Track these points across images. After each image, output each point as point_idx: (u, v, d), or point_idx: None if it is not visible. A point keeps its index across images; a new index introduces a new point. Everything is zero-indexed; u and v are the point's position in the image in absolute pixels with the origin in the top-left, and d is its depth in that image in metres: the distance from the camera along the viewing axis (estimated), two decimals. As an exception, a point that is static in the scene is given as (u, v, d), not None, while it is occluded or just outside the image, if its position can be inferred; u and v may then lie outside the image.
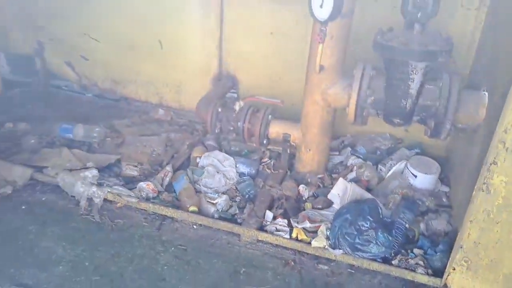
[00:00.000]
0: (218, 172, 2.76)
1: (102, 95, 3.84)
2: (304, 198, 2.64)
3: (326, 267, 2.22)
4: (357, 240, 2.19)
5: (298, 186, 2.70)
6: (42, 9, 3.63)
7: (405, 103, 2.38)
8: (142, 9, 3.34)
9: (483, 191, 1.79)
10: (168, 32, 3.37)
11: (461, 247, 1.94)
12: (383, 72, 2.41)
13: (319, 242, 2.23)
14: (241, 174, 2.81)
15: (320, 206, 2.51)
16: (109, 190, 2.53)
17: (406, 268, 2.16)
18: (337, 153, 3.01)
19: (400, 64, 2.29)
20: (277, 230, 2.36)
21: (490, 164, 1.75)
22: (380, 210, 2.31)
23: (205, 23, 3.21)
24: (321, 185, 2.73)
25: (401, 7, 2.27)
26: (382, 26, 2.34)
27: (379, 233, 2.19)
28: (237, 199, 2.62)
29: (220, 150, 3.00)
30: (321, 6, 2.20)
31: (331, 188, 2.58)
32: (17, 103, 3.63)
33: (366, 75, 2.44)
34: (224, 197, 2.55)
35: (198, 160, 2.89)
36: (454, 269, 1.99)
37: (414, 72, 2.28)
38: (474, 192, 1.84)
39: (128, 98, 3.76)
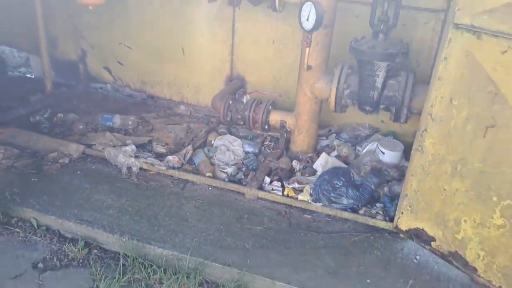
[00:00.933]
0: (228, 150, 3.49)
1: (133, 94, 4.61)
2: (295, 170, 3.34)
3: (309, 216, 2.92)
4: (332, 195, 2.89)
5: (291, 161, 3.41)
6: (86, 23, 4.44)
7: (373, 94, 3.09)
8: (168, 22, 4.12)
9: (418, 151, 2.49)
10: (189, 41, 4.13)
11: (406, 196, 2.62)
12: (357, 71, 3.14)
13: (304, 197, 2.94)
14: (246, 153, 3.53)
15: (307, 174, 3.22)
16: (144, 161, 3.27)
17: (369, 216, 2.84)
18: (325, 138, 3.72)
19: (368, 63, 3.00)
20: (273, 190, 3.07)
21: (423, 131, 2.44)
22: (351, 174, 3.01)
23: (220, 34, 3.97)
24: (309, 162, 3.43)
25: (369, 21, 3.01)
26: (357, 36, 3.07)
27: (349, 189, 2.89)
28: (243, 169, 3.34)
29: (230, 134, 3.73)
30: (307, 19, 2.95)
31: (318, 163, 3.29)
32: (64, 99, 4.40)
33: (343, 73, 3.17)
34: (233, 167, 3.28)
35: (212, 142, 3.62)
36: (402, 213, 2.67)
37: (379, 70, 3.00)
38: (412, 152, 2.53)
39: (154, 96, 4.52)
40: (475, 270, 2.38)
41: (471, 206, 2.31)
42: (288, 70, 3.83)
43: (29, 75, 5.18)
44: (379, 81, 3.03)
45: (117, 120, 3.90)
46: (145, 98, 4.57)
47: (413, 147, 2.54)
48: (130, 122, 3.90)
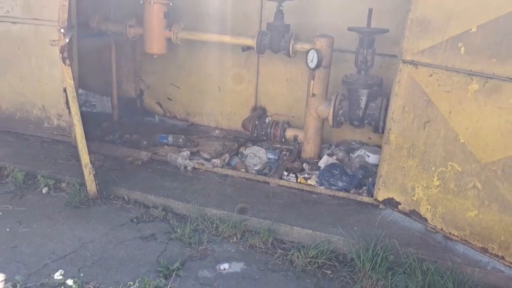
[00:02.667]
0: (256, 156, 4.78)
1: (178, 123, 5.96)
2: (305, 170, 4.60)
3: (315, 196, 4.14)
4: (331, 180, 4.13)
5: (302, 164, 4.67)
6: (144, 68, 5.89)
7: (359, 112, 4.39)
8: (209, 68, 5.53)
9: (386, 144, 3.75)
10: (224, 81, 5.53)
11: (380, 176, 3.85)
12: (347, 97, 4.46)
13: (311, 182, 4.18)
14: (269, 158, 4.81)
15: (314, 170, 4.47)
16: (196, 161, 4.56)
17: (357, 194, 4.07)
18: (327, 149, 4.99)
19: (355, 91, 4.34)
20: (289, 179, 4.32)
21: (389, 129, 3.72)
22: (345, 168, 4.27)
23: (247, 75, 5.37)
24: (316, 164, 4.69)
25: (354, 63, 4.38)
26: (347, 73, 4.43)
27: (343, 176, 4.13)
28: (267, 169, 4.60)
29: (256, 147, 5.03)
30: (311, 61, 4.33)
31: (321, 164, 4.56)
32: (126, 126, 5.75)
33: (338, 98, 4.50)
34: (260, 166, 4.55)
35: (243, 151, 4.91)
36: (379, 189, 3.88)
37: (362, 95, 4.33)
38: (382, 145, 3.80)
39: (195, 124, 5.87)
40: (426, 220, 3.57)
41: (420, 176, 3.55)
42: (298, 100, 5.16)
43: (94, 111, 6.58)
44: (363, 104, 4.35)
45: (170, 138, 5.22)
46: (188, 126, 5.91)
47: (382, 142, 3.81)
48: (180, 140, 5.22)
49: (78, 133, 3.52)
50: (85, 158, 3.59)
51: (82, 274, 2.85)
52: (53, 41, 3.29)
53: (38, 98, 5.01)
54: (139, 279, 2.81)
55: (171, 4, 4.91)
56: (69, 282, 2.69)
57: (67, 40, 3.25)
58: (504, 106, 2.97)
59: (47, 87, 4.92)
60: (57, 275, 2.75)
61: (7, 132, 5.16)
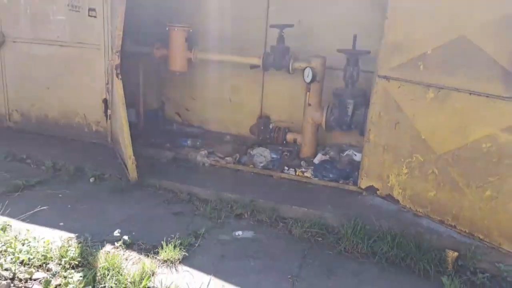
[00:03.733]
0: (261, 155, 5.72)
1: (194, 130, 6.93)
2: (302, 166, 5.54)
3: (310, 185, 5.06)
4: (323, 172, 5.07)
5: (300, 162, 5.61)
6: (165, 83, 6.89)
7: (346, 119, 5.34)
8: (221, 83, 6.52)
9: (367, 142, 4.70)
10: (234, 94, 6.52)
11: (363, 168, 4.79)
12: (337, 106, 5.42)
13: (308, 174, 5.12)
14: (272, 158, 5.75)
15: (310, 166, 5.42)
16: (212, 159, 5.52)
17: (345, 184, 5.00)
18: (322, 150, 5.93)
19: (343, 101, 5.30)
20: (289, 173, 5.26)
21: (368, 130, 4.67)
22: (335, 163, 5.21)
23: (254, 89, 6.36)
24: (311, 162, 5.62)
25: (343, 78, 5.35)
26: (337, 86, 5.39)
27: (333, 169, 5.07)
28: (271, 166, 5.54)
29: (262, 149, 5.99)
30: (307, 76, 5.31)
31: (316, 161, 5.50)
32: (151, 133, 6.71)
33: (329, 107, 5.46)
34: (265, 163, 5.49)
35: (250, 152, 5.86)
36: (362, 178, 4.81)
37: (349, 105, 5.29)
38: (364, 143, 4.74)
39: (209, 130, 6.83)
40: (398, 201, 4.49)
41: (392, 166, 4.48)
42: (297, 109, 6.09)
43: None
44: (350, 111, 5.30)
45: (189, 142, 6.18)
46: (203, 132, 6.88)
47: (364, 141, 4.76)
48: (198, 143, 6.18)
49: (125, 131, 4.48)
50: (129, 151, 4.55)
51: (133, 233, 3.77)
52: (111, 60, 4.28)
53: (80, 107, 6.00)
54: (175, 238, 3.73)
55: (191, 30, 5.93)
56: (125, 237, 3.61)
57: (119, 60, 4.24)
58: (452, 109, 3.92)
59: (88, 98, 5.91)
60: (116, 233, 3.67)
61: (52, 136, 6.13)
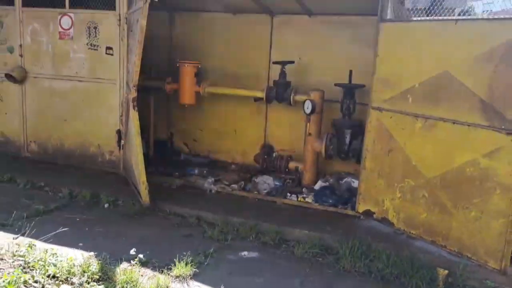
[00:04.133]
0: (265, 183, 6.08)
1: (200, 160, 7.31)
2: (304, 192, 5.87)
3: (311, 210, 5.39)
4: (323, 198, 5.40)
5: (302, 189, 5.95)
6: (174, 115, 7.32)
7: (344, 147, 5.72)
8: (227, 115, 6.95)
9: (364, 169, 5.05)
10: (239, 125, 6.93)
11: (360, 193, 5.13)
12: (336, 135, 5.81)
13: (309, 200, 5.46)
14: (275, 185, 6.10)
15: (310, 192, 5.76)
16: (219, 186, 5.87)
17: (344, 209, 5.32)
18: (322, 178, 6.28)
19: (341, 131, 5.70)
20: (292, 198, 5.60)
21: (364, 157, 5.04)
22: (334, 189, 5.55)
23: (258, 120, 6.78)
24: (312, 189, 5.96)
25: (340, 109, 5.77)
26: (335, 117, 5.80)
27: (332, 195, 5.41)
28: (274, 192, 5.88)
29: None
30: (307, 108, 5.73)
31: (317, 187, 5.85)
32: (160, 162, 7.08)
33: (328, 137, 5.84)
34: (269, 189, 5.84)
35: (255, 179, 6.22)
36: (359, 203, 5.14)
37: (346, 134, 5.68)
38: (360, 170, 5.09)
39: (216, 160, 7.21)
40: (393, 224, 4.81)
41: (387, 191, 4.82)
42: (298, 139, 6.48)
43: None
44: (347, 141, 5.69)
45: (196, 170, 6.56)
46: (209, 162, 7.25)
47: (360, 167, 5.12)
48: (204, 171, 6.55)
49: (139, 159, 4.86)
50: (143, 177, 4.92)
51: (147, 252, 4.08)
52: (128, 94, 4.72)
53: (95, 138, 6.41)
54: (186, 257, 4.04)
55: (200, 66, 6.41)
56: (140, 255, 3.93)
57: (136, 93, 4.68)
58: (438, 137, 4.30)
59: (103, 130, 6.33)
60: (132, 251, 3.98)
61: (68, 165, 6.52)
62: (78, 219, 4.90)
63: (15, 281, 3.03)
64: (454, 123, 4.14)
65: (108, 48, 6.10)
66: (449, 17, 4.27)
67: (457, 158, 4.14)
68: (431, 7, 5.32)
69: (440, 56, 4.24)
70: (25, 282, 3.16)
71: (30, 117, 6.72)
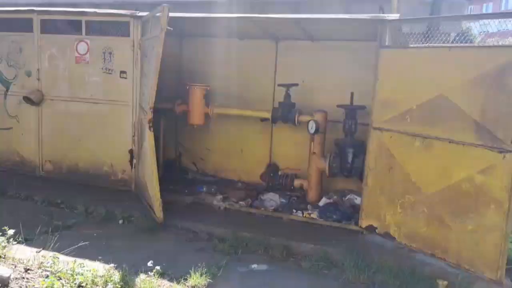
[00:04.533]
0: (271, 200, 6.34)
1: (208, 178, 7.58)
2: (308, 209, 6.13)
3: (316, 225, 5.65)
4: (328, 213, 5.67)
5: (307, 206, 6.22)
6: (182, 136, 7.63)
7: (347, 165, 6.00)
8: (233, 136, 7.26)
9: (366, 185, 5.33)
10: (245, 144, 7.23)
11: (363, 209, 5.39)
12: (338, 154, 6.10)
13: (314, 215, 5.72)
14: (281, 202, 6.36)
15: (316, 209, 6.02)
16: (227, 203, 6.14)
17: (347, 224, 5.58)
18: (326, 194, 6.55)
19: (344, 150, 5.99)
20: (297, 214, 5.86)
21: (366, 175, 5.32)
22: (338, 206, 5.82)
23: (264, 140, 7.09)
24: (317, 205, 6.23)
25: (342, 129, 6.08)
26: (338, 137, 6.10)
27: (337, 211, 5.68)
28: (280, 208, 6.15)
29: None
30: (311, 128, 6.04)
31: (321, 204, 6.12)
32: (169, 181, 7.33)
33: (331, 155, 6.13)
34: (275, 206, 6.11)
35: (262, 197, 6.48)
36: (362, 218, 5.40)
37: (349, 153, 5.97)
38: (363, 186, 5.37)
39: (222, 178, 7.48)
40: (394, 238, 5.06)
41: (388, 207, 5.09)
42: (302, 158, 6.75)
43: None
44: (349, 159, 5.98)
45: (205, 188, 6.83)
46: (216, 180, 7.51)
47: (362, 184, 5.40)
48: (212, 189, 6.81)
49: (154, 176, 5.15)
50: (157, 194, 5.19)
51: (163, 264, 4.33)
52: (144, 117, 5.05)
53: (108, 157, 6.70)
54: (201, 268, 4.28)
55: (208, 88, 6.74)
56: (157, 267, 4.17)
57: (152, 115, 5.01)
58: (435, 155, 4.59)
59: (116, 150, 6.63)
60: (149, 263, 4.23)
61: (81, 184, 6.79)
62: (95, 234, 5.15)
63: (51, 287, 3.30)
64: (450, 142, 4.44)
65: (122, 72, 6.45)
66: (443, 44, 4.63)
67: (454, 175, 4.43)
68: (428, 32, 5.71)
69: (436, 80, 4.56)
70: (58, 289, 3.43)
71: (46, 138, 7.02)
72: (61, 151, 6.97)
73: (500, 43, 6.27)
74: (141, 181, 6.15)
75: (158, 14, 5.11)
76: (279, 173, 6.67)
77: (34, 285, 3.56)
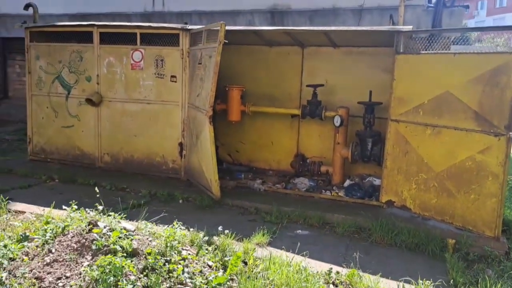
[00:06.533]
0: (302, 183, 7.46)
1: (242, 168, 8.68)
2: (335, 190, 7.25)
3: (343, 202, 6.76)
4: (352, 192, 6.79)
5: (333, 187, 7.33)
6: (219, 131, 8.72)
7: (367, 153, 7.13)
8: (265, 130, 8.37)
9: (385, 167, 6.45)
10: (276, 138, 8.34)
11: (383, 187, 6.51)
12: (359, 144, 7.22)
13: (340, 194, 6.84)
14: (310, 185, 7.48)
15: (341, 189, 7.14)
16: (266, 186, 7.25)
17: (369, 200, 6.70)
18: (348, 178, 7.66)
19: (364, 140, 7.12)
20: (327, 194, 6.98)
21: (385, 159, 6.44)
22: (360, 185, 6.94)
23: (292, 133, 8.20)
24: (342, 187, 7.34)
25: (362, 122, 7.20)
26: (359, 129, 7.22)
27: (360, 190, 6.80)
28: (311, 189, 7.26)
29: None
30: (337, 122, 7.16)
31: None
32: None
33: (353, 145, 7.26)
34: (306, 188, 7.22)
35: (293, 181, 7.60)
36: (382, 195, 6.51)
37: (368, 142, 7.10)
38: (383, 169, 6.49)
39: (255, 167, 8.59)
40: (410, 210, 6.18)
41: (405, 184, 6.21)
42: (327, 147, 7.90)
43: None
44: (369, 147, 7.11)
45: (243, 175, 7.94)
46: (249, 169, 8.63)
47: (382, 167, 6.52)
48: (249, 175, 7.93)
49: (213, 161, 6.25)
50: (215, 175, 6.30)
51: (227, 231, 5.41)
52: (201, 114, 6.18)
53: (160, 149, 7.81)
54: (261, 230, 5.39)
55: (244, 89, 7.85)
56: (226, 231, 5.27)
57: (212, 112, 6.12)
58: (443, 140, 5.72)
59: (167, 142, 7.73)
60: (220, 228, 5.32)
61: (136, 173, 7.90)
62: (164, 210, 6.24)
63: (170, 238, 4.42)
64: (455, 129, 5.57)
65: (172, 76, 7.56)
66: (449, 51, 5.74)
67: (459, 155, 5.55)
68: (430, 37, 6.83)
69: (442, 80, 5.68)
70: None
71: (104, 134, 8.12)
72: (118, 144, 8.07)
73: (495, 44, 7.38)
74: (193, 167, 7.25)
75: (215, 28, 6.21)
76: (308, 160, 7.79)
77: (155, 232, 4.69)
